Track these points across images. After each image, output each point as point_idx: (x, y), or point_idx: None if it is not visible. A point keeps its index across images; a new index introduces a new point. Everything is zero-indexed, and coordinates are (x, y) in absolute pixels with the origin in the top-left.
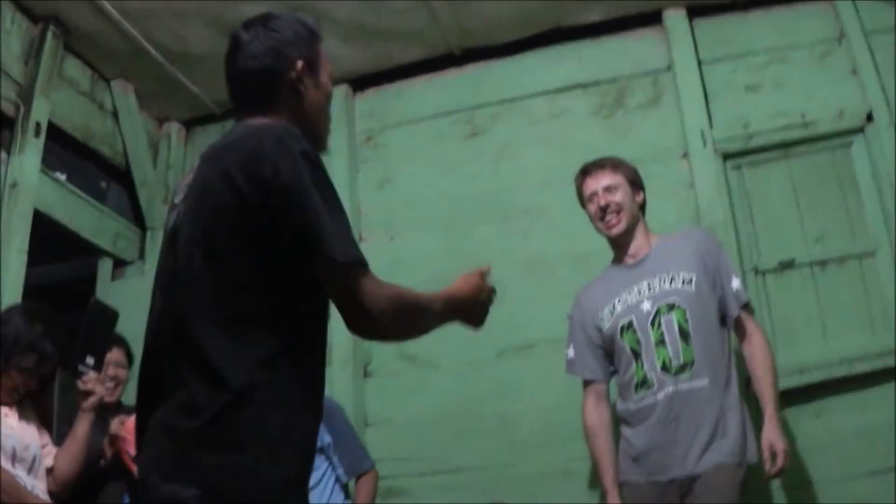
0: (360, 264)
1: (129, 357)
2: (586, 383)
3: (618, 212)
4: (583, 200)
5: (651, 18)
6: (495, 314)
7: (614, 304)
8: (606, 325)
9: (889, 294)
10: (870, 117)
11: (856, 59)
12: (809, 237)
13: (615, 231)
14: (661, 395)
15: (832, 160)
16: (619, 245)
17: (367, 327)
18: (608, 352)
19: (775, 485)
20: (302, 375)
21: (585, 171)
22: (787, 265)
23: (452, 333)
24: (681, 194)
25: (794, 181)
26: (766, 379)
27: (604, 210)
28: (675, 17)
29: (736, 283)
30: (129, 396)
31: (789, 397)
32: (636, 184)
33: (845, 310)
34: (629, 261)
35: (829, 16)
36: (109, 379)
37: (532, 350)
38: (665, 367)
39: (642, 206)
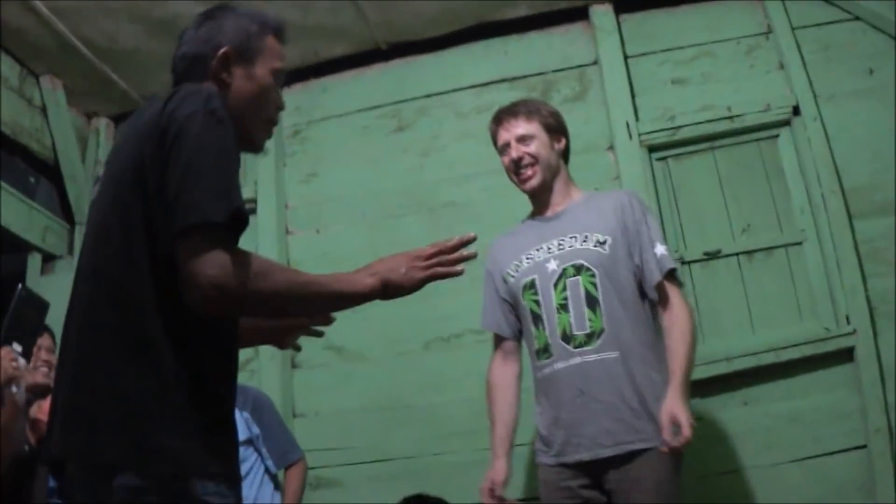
0: (220, 224)
1: (56, 344)
2: (496, 340)
3: (532, 164)
4: (497, 150)
5: (577, 14)
6: (421, 306)
7: (521, 260)
8: (511, 282)
9: (816, 283)
10: (796, 111)
11: (783, 54)
12: (736, 228)
13: (529, 185)
14: (560, 366)
15: (758, 152)
16: (537, 198)
17: (210, 300)
18: (516, 309)
19: (703, 472)
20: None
21: (498, 120)
22: (713, 255)
23: (379, 325)
24: (606, 186)
25: (720, 173)
26: (679, 350)
27: (517, 163)
28: (601, 13)
29: (661, 248)
30: None
31: (717, 385)
32: (555, 130)
33: (772, 299)
34: (545, 214)
35: (757, 11)
36: (43, 363)
37: (458, 341)
38: (565, 336)
39: (564, 154)
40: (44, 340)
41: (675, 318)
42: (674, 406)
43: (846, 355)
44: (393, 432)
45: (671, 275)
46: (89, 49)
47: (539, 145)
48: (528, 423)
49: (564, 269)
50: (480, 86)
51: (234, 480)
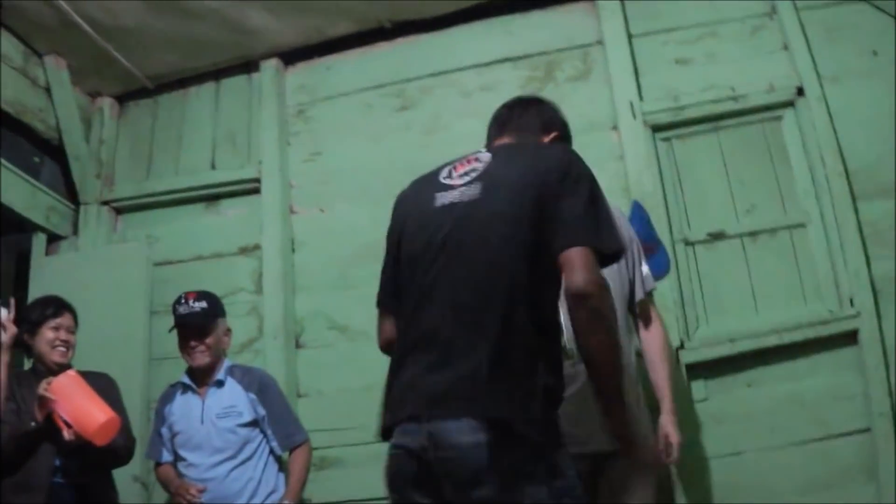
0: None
1: (77, 323)
2: None
3: None
4: None
5: None
6: None
7: None
8: None
9: (819, 265)
10: (800, 91)
11: (787, 34)
12: (740, 209)
13: None
14: (580, 367)
15: (762, 133)
16: None
17: (580, 293)
18: None
19: (706, 453)
20: None
21: None
22: (716, 236)
23: None
24: (610, 166)
25: (724, 154)
26: (664, 368)
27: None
28: None
29: (646, 268)
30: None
31: (720, 367)
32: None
33: (776, 280)
34: None
35: None
36: (61, 343)
37: None
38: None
39: None
40: (64, 319)
41: (656, 333)
42: (669, 428)
43: (850, 338)
44: None
45: (650, 293)
46: (93, 28)
47: None
48: None
49: None
50: (484, 65)
51: None
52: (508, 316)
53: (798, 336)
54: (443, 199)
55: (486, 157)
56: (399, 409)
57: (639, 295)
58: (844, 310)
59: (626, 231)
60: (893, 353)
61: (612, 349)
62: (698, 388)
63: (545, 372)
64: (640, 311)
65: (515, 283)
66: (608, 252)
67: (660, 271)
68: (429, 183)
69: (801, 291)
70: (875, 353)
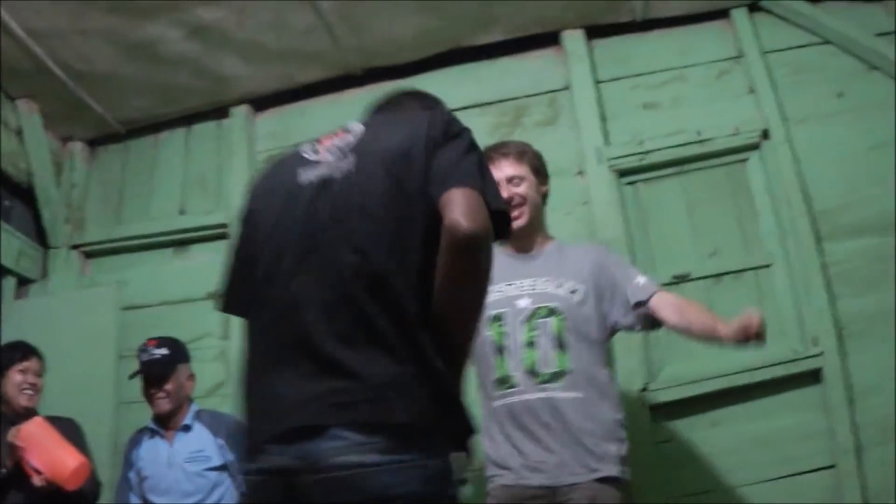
0: (493, 201)
1: (44, 368)
2: None
3: (521, 204)
4: None
5: (549, 39)
6: None
7: (490, 291)
8: None
9: (784, 305)
10: (766, 134)
11: (753, 77)
12: (705, 251)
13: (517, 225)
14: (525, 398)
15: (727, 176)
16: (516, 236)
17: (466, 235)
18: None
19: (672, 493)
20: None
21: (488, 158)
22: (682, 278)
23: None
24: (577, 211)
25: (689, 197)
26: (703, 309)
27: (507, 202)
28: (573, 39)
29: (641, 279)
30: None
31: (685, 407)
32: (541, 173)
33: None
34: (519, 252)
35: (728, 35)
36: (29, 387)
37: None
38: (531, 371)
39: (544, 197)
40: (31, 364)
41: (679, 300)
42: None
43: (814, 376)
44: None
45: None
46: (66, 73)
47: (528, 186)
48: None
49: (537, 309)
50: (453, 111)
51: None
52: (400, 307)
53: (762, 375)
54: (308, 175)
55: (358, 128)
56: (262, 427)
57: (638, 297)
58: (808, 349)
59: (606, 261)
60: (857, 391)
61: (481, 311)
62: (663, 428)
63: (444, 372)
64: (658, 307)
65: (405, 266)
66: (493, 207)
67: None
68: (289, 160)
69: (766, 331)
70: (839, 392)
